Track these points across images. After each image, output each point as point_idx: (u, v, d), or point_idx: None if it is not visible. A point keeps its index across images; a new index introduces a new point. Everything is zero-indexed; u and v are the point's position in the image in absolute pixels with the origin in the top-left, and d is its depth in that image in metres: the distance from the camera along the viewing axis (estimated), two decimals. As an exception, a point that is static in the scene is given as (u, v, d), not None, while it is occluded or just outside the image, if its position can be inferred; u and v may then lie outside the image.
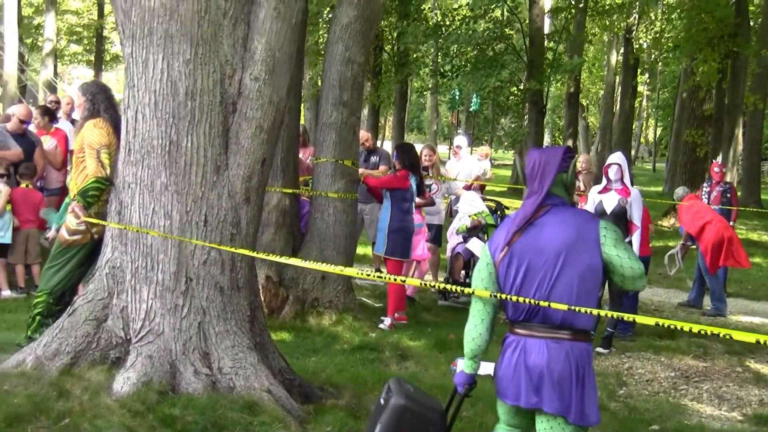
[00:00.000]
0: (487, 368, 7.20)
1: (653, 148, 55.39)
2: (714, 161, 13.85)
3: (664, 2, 25.18)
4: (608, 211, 8.42)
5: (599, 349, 8.42)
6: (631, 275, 3.71)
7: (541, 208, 3.81)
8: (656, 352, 8.56)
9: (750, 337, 3.53)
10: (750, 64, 23.84)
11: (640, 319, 3.98)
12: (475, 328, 3.93)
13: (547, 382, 3.68)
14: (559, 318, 3.69)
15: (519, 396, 3.75)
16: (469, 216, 10.27)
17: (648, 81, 49.95)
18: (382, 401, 4.14)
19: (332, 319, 8.57)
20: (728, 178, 19.89)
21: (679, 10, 23.54)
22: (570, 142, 25.59)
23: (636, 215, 8.43)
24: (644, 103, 55.72)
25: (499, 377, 3.86)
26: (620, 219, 8.37)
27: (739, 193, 20.76)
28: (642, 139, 61.17)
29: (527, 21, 22.71)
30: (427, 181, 10.58)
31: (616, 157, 8.71)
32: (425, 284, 6.80)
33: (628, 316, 3.99)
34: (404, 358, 7.58)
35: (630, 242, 8.38)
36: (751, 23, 26.69)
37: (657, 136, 56.27)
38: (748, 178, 27.02)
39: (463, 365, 4.00)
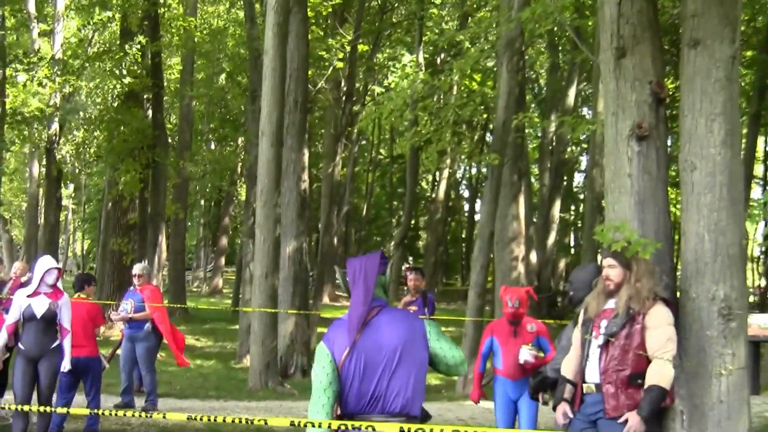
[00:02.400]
0: None
1: (81, 260, 54.85)
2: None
3: (84, 115, 25.41)
4: (38, 315, 7.99)
5: None
6: (454, 363, 4.19)
7: (372, 310, 4.15)
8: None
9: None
10: (170, 175, 25.05)
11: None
12: (327, 416, 4.06)
13: None
14: (398, 408, 4.05)
15: None
16: None
17: (73, 194, 49.66)
18: None
19: None
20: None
21: (98, 122, 23.95)
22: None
23: (66, 318, 8.19)
24: (70, 216, 55.22)
25: None
26: (50, 323, 8.08)
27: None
28: (70, 253, 60.25)
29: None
30: None
31: (54, 262, 8.41)
32: None
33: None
34: None
35: (61, 346, 8.10)
36: (171, 140, 28.23)
37: (85, 248, 55.97)
38: (175, 286, 27.98)
39: None
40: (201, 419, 3.83)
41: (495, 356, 7.43)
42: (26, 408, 7.38)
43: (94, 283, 10.15)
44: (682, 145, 5.70)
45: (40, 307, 8.06)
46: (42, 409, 7.10)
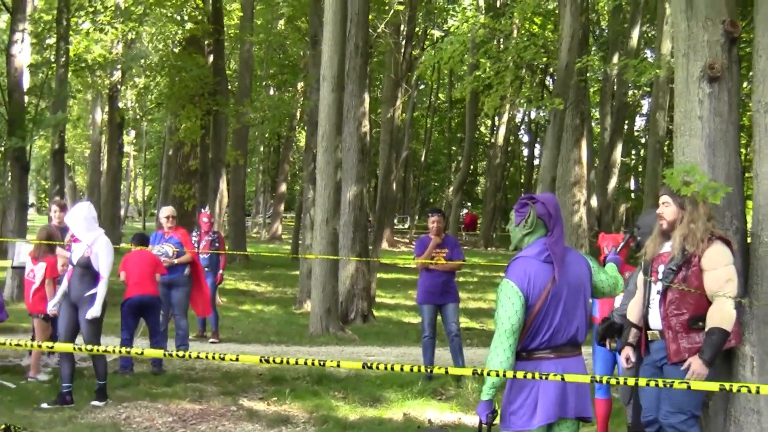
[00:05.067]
0: None
1: (143, 207, 55.81)
2: (202, 211, 14.16)
3: (146, 62, 25.58)
4: (74, 261, 8.08)
5: (94, 403, 8.03)
6: (610, 291, 4.65)
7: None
8: (153, 399, 8.39)
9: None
10: (230, 122, 25.21)
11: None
12: (507, 361, 4.15)
13: (571, 392, 4.21)
14: (572, 336, 4.27)
15: (551, 412, 4.16)
16: None
17: (134, 141, 50.38)
18: None
19: None
20: (216, 228, 20.69)
21: (159, 68, 24.12)
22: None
23: (103, 265, 7.99)
24: (131, 162, 56.10)
25: (525, 405, 4.22)
26: (86, 269, 8.01)
27: (227, 247, 21.65)
28: (131, 199, 61.31)
29: (4, 74, 21.49)
30: None
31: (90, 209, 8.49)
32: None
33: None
34: None
35: (95, 293, 8.01)
36: (230, 86, 28.35)
37: (146, 194, 56.85)
38: (235, 233, 28.30)
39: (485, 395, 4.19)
40: (272, 361, 3.87)
41: (593, 305, 7.15)
42: (68, 349, 7.15)
43: None
44: (755, 86, 5.54)
45: (77, 253, 8.14)
46: (91, 349, 6.60)
